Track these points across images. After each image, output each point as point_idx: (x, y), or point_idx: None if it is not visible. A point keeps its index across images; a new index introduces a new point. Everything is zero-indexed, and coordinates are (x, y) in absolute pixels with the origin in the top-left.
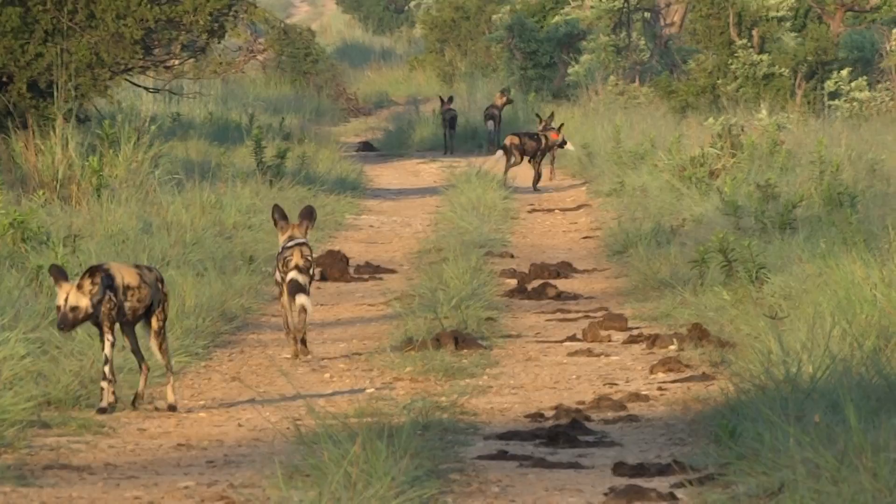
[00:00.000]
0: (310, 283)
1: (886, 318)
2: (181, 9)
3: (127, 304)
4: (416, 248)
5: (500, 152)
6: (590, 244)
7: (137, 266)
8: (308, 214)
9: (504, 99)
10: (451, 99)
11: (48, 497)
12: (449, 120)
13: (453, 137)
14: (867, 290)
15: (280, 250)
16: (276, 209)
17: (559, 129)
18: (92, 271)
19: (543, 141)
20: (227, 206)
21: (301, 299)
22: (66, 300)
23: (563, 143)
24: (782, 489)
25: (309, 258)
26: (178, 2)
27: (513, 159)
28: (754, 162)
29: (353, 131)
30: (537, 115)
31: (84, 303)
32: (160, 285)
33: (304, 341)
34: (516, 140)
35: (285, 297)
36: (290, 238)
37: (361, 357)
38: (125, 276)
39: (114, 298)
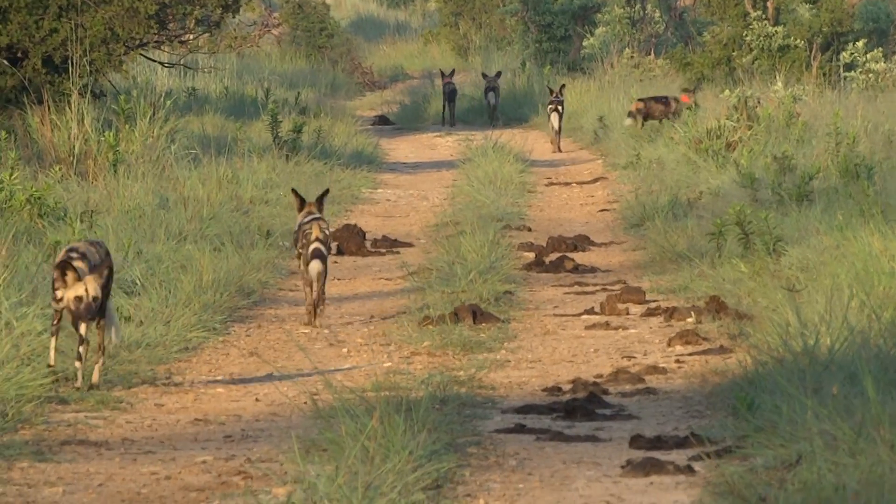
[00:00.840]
0: (328, 253)
1: None
2: None
3: None
4: (433, 222)
5: (629, 119)
6: (607, 217)
7: (91, 242)
8: (322, 196)
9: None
10: (452, 72)
11: (65, 472)
12: (448, 93)
13: (453, 111)
14: (885, 261)
15: (298, 226)
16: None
17: (693, 91)
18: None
19: (673, 104)
20: (243, 180)
21: (315, 264)
22: (86, 290)
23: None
24: (800, 461)
25: (326, 231)
26: None
27: (637, 123)
28: (771, 134)
29: (368, 105)
30: (549, 88)
31: (97, 290)
32: (108, 259)
33: (318, 309)
34: (641, 105)
35: (305, 269)
36: (309, 213)
37: (379, 331)
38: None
39: None
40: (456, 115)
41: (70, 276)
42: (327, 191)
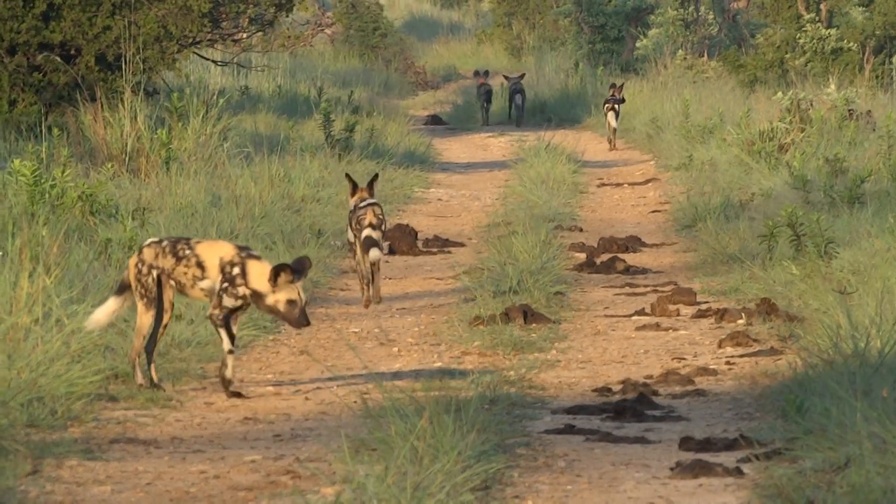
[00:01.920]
0: (382, 237)
1: None
2: None
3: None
4: (485, 222)
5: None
6: (658, 218)
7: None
8: (373, 181)
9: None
10: (486, 73)
11: (114, 471)
12: (484, 94)
13: (489, 111)
14: None
15: (353, 209)
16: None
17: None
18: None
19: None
20: (295, 179)
21: (374, 253)
22: (299, 295)
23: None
24: (849, 464)
25: (381, 216)
26: None
27: None
28: (823, 136)
29: (421, 105)
30: (613, 84)
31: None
32: None
33: (376, 288)
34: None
35: (360, 253)
36: (362, 199)
37: (430, 331)
38: None
39: None
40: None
41: (283, 277)
42: (377, 175)
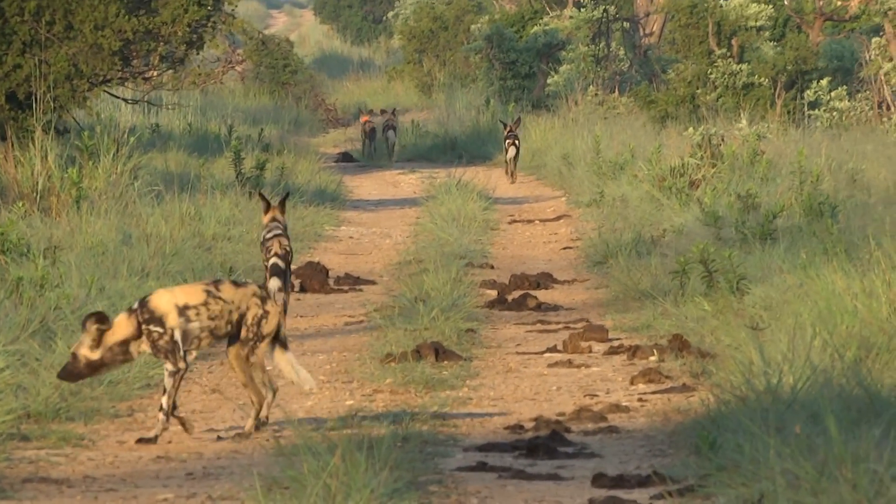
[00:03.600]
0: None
1: (867, 329)
2: (159, 20)
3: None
4: (396, 260)
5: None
6: (570, 255)
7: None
8: (283, 200)
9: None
10: (370, 111)
11: None
12: (369, 132)
13: (375, 148)
14: (848, 300)
15: (261, 238)
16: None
17: (367, 112)
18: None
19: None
20: (206, 217)
21: (273, 282)
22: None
23: None
24: (762, 500)
25: (288, 248)
26: (157, 13)
27: None
28: (734, 172)
29: (331, 142)
30: (501, 122)
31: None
32: None
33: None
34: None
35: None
36: (273, 219)
37: (341, 369)
38: None
39: None
40: (412, 154)
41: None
42: (288, 194)
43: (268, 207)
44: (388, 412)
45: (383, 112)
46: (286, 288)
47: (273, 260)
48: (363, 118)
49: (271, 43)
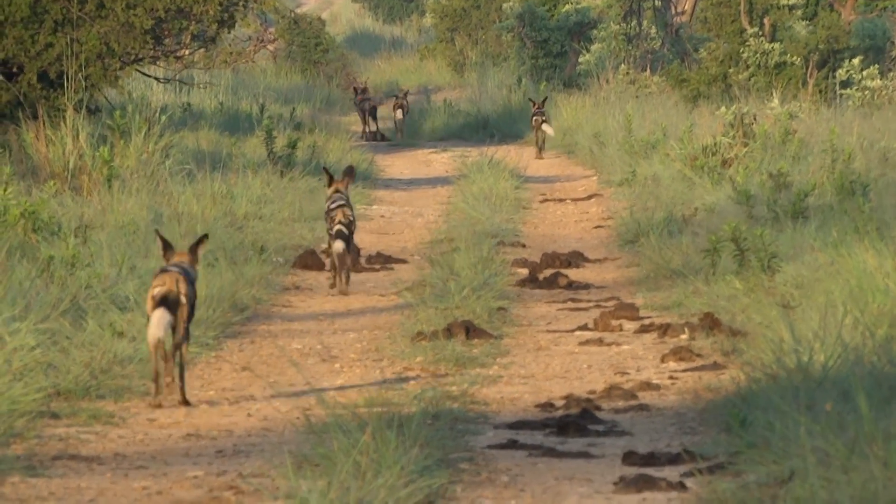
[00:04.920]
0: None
1: None
2: None
3: None
4: (428, 239)
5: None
6: (601, 233)
7: None
8: (349, 172)
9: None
10: (364, 89)
11: (57, 488)
12: (369, 109)
13: (376, 126)
14: (879, 278)
15: (326, 209)
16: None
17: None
18: None
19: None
20: (237, 196)
21: (338, 244)
22: None
23: None
24: (792, 478)
25: (351, 217)
26: None
27: None
28: (766, 151)
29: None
30: (530, 100)
31: None
32: None
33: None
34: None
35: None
36: (337, 191)
37: (372, 347)
38: None
39: None
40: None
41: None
42: (353, 168)
43: (331, 181)
44: (418, 390)
45: (396, 96)
46: (350, 250)
47: (337, 227)
48: (359, 97)
49: (303, 21)
